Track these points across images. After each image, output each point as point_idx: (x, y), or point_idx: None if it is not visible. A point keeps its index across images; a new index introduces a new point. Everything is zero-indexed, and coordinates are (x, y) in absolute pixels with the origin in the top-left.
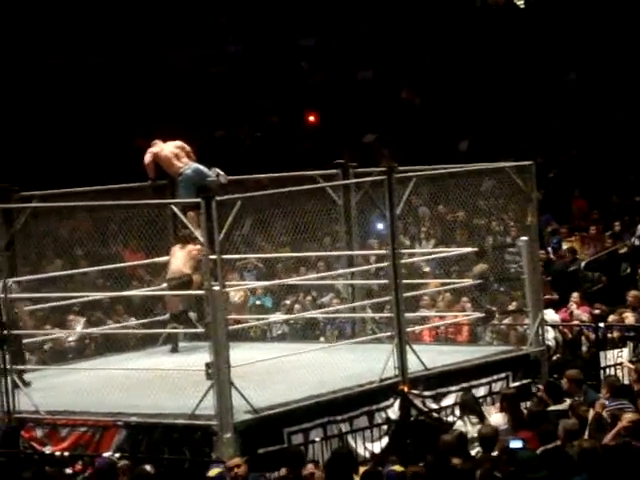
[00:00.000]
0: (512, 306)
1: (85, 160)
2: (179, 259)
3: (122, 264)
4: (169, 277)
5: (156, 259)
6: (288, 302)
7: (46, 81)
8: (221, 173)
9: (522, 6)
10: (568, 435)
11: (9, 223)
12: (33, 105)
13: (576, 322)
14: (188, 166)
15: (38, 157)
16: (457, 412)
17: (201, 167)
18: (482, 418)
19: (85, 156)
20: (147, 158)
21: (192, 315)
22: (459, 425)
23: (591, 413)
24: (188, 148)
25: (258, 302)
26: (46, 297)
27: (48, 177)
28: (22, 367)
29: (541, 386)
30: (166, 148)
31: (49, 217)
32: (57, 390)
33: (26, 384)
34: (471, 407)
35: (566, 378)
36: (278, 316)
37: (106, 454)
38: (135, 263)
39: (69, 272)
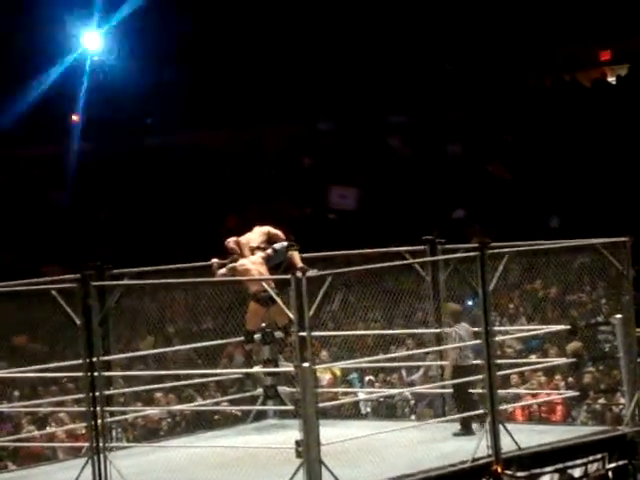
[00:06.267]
0: (607, 385)
1: (179, 238)
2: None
3: (213, 342)
4: (252, 293)
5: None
6: (379, 380)
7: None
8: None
9: (614, 82)
10: None
11: (102, 301)
12: (127, 186)
13: None
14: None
15: (131, 235)
16: None
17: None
18: None
19: (179, 234)
20: (230, 245)
21: (282, 390)
22: None
23: None
24: (274, 232)
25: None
26: (138, 375)
27: (141, 256)
28: (113, 445)
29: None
30: (252, 239)
31: (141, 294)
32: (148, 468)
33: None
34: None
35: None
36: (370, 390)
37: None
38: (226, 341)
39: (160, 350)
